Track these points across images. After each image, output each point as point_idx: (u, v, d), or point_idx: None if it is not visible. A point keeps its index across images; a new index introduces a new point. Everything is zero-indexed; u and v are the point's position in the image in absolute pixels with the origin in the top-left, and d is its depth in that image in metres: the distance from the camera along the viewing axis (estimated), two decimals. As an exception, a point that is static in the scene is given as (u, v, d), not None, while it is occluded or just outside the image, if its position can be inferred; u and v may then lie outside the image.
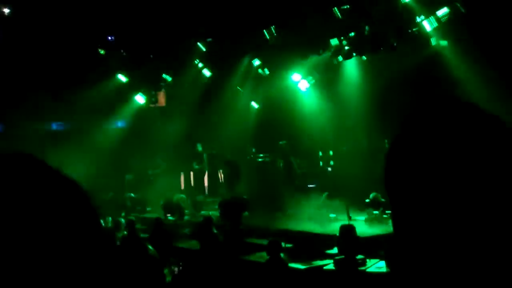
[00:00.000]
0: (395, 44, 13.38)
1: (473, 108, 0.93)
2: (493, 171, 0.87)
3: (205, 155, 17.93)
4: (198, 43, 17.09)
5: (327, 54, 15.36)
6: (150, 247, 2.00)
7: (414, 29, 13.02)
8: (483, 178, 0.87)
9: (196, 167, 18.54)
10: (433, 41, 13.57)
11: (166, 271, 6.81)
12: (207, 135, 18.65)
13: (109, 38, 18.45)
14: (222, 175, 16.24)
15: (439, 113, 0.94)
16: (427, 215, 0.91)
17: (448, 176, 0.88)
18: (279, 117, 17.78)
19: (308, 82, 16.89)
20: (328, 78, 16.77)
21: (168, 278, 6.63)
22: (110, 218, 12.38)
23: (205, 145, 18.08)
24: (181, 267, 6.94)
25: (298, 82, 17.06)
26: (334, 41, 14.69)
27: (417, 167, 0.92)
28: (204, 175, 18.35)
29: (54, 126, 20.98)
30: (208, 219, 10.23)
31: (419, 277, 0.94)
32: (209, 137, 18.50)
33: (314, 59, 15.88)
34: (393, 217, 1.00)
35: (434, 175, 0.89)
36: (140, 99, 19.12)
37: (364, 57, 14.61)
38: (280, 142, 15.70)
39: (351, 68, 16.31)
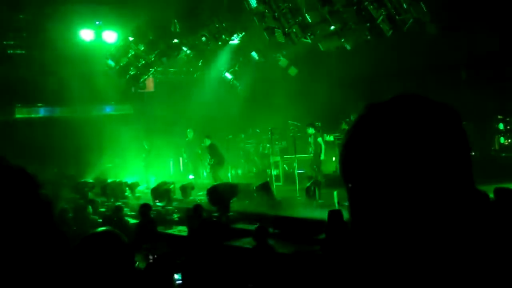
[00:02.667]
0: (389, 31, 13.32)
1: (423, 99, 0.99)
2: (441, 151, 0.93)
3: (192, 141, 17.81)
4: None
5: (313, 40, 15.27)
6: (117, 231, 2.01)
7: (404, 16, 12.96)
8: (433, 160, 0.93)
9: (184, 155, 18.50)
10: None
11: (139, 258, 6.79)
12: (195, 121, 18.58)
13: (97, 22, 18.29)
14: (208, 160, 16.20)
15: (393, 104, 1.00)
16: (380, 198, 0.95)
17: (400, 160, 0.93)
18: (265, 103, 17.77)
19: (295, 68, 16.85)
20: (316, 64, 16.74)
21: (142, 265, 6.60)
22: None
23: (195, 131, 18.02)
24: (156, 256, 6.90)
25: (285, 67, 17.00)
26: (323, 28, 14.63)
27: (371, 152, 0.96)
28: (194, 160, 18.29)
29: (42, 112, 20.85)
30: (197, 206, 10.20)
31: (372, 264, 0.98)
32: (198, 123, 18.43)
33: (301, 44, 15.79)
34: (349, 203, 1.04)
35: (387, 160, 0.94)
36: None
37: (348, 47, 14.54)
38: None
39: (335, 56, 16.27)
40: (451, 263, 0.89)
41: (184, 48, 18.26)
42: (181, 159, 19.87)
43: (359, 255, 1.01)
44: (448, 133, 0.95)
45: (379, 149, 0.95)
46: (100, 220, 10.66)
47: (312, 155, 14.52)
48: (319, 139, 14.47)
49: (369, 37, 13.82)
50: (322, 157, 14.31)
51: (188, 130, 17.77)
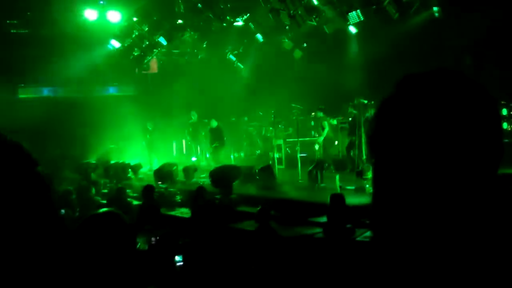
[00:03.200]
0: (395, 13, 13.19)
1: (458, 76, 0.97)
2: (474, 134, 0.91)
3: (196, 123, 17.78)
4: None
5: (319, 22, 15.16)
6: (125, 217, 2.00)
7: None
8: (464, 139, 0.91)
9: (188, 137, 18.49)
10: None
11: (141, 239, 6.83)
12: (199, 103, 18.55)
13: (101, 2, 18.15)
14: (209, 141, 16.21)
15: (427, 79, 0.98)
16: (409, 175, 0.93)
17: (432, 137, 0.91)
18: (270, 85, 17.71)
19: (300, 50, 16.75)
20: (321, 47, 16.64)
21: (144, 247, 6.65)
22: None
23: (199, 113, 17.98)
24: (158, 238, 6.95)
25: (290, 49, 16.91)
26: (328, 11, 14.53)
27: (403, 128, 0.94)
28: (197, 142, 18.29)
29: (45, 92, 20.82)
30: (200, 188, 10.22)
31: (398, 240, 0.95)
32: (202, 105, 18.40)
33: (307, 26, 15.68)
34: (375, 174, 1.01)
35: (419, 136, 0.92)
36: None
37: (353, 29, 14.43)
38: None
39: (344, 38, 16.16)
40: (472, 248, 0.89)
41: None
42: (184, 141, 19.88)
43: (380, 232, 1.00)
44: (484, 116, 0.93)
45: (411, 125, 0.93)
46: (104, 202, 10.73)
47: (317, 138, 14.55)
48: (324, 123, 14.48)
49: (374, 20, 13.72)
50: (320, 139, 14.38)
51: (192, 112, 17.74)
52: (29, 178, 1.20)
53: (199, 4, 16.44)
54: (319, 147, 14.27)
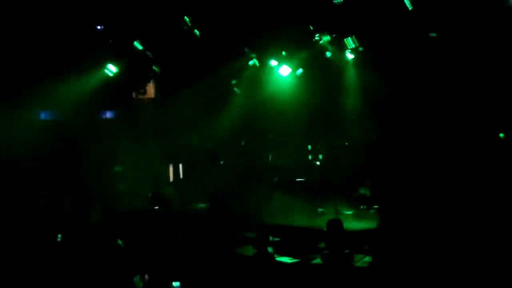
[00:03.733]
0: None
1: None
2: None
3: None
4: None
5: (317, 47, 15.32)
6: (120, 242, 1.98)
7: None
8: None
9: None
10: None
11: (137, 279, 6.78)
12: (197, 127, 18.55)
13: (98, 27, 18.26)
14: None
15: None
16: (411, 209, 0.93)
17: (430, 177, 0.91)
18: (266, 110, 17.77)
19: (295, 72, 16.84)
20: (316, 70, 16.74)
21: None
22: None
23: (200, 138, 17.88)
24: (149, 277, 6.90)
25: (278, 68, 17.00)
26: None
27: (402, 165, 0.94)
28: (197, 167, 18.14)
29: (43, 115, 20.80)
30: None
31: (401, 267, 0.96)
32: (201, 130, 18.40)
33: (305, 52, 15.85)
34: (380, 207, 1.02)
35: (417, 174, 0.92)
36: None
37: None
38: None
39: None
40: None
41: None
42: (180, 165, 19.87)
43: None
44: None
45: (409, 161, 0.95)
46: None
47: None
48: None
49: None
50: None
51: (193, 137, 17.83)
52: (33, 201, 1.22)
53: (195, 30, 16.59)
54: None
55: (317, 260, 8.55)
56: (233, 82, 19.33)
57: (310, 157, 16.23)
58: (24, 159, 15.01)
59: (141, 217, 10.58)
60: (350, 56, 15.62)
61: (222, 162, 16.15)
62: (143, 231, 9.91)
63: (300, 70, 16.86)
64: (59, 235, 9.25)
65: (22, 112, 19.72)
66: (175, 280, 6.68)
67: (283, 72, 16.90)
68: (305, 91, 17.24)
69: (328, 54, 15.20)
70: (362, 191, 11.34)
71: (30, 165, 14.29)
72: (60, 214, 9.96)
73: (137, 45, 17.47)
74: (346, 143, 14.12)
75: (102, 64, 18.15)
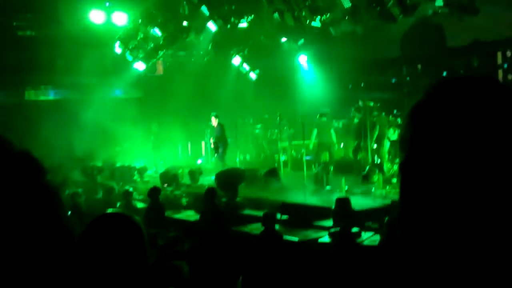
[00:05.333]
0: (398, 14, 13.15)
1: (493, 82, 0.96)
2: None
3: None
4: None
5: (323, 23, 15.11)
6: (137, 218, 1.92)
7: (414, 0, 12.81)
8: (504, 148, 0.88)
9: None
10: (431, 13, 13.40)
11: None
12: (205, 105, 18.54)
13: (106, 4, 18.18)
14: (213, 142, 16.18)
15: (463, 85, 0.96)
16: (440, 186, 0.90)
17: (470, 144, 0.89)
18: (276, 89, 17.70)
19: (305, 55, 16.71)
20: (324, 51, 16.61)
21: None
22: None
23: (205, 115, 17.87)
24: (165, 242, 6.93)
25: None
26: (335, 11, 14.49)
27: (440, 133, 0.92)
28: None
29: (52, 94, 20.91)
30: (211, 189, 10.12)
31: (419, 250, 0.93)
32: (207, 107, 18.39)
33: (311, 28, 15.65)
34: (403, 179, 0.99)
35: (454, 146, 0.90)
36: (140, 66, 18.64)
37: (359, 30, 14.38)
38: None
39: (345, 42, 16.12)
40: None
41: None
42: (189, 143, 19.94)
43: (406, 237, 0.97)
44: None
45: (449, 131, 0.91)
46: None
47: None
48: (314, 129, 14.21)
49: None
50: (310, 145, 14.04)
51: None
52: (37, 188, 1.19)
53: (203, 6, 16.44)
54: (313, 152, 14.06)
55: (325, 238, 8.58)
56: None
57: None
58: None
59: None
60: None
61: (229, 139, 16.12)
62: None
63: None
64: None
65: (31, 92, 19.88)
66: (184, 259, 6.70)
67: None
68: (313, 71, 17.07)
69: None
70: (369, 169, 11.32)
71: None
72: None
73: None
74: (355, 121, 14.01)
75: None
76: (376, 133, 13.21)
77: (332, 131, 13.94)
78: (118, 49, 18.35)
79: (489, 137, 0.89)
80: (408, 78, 18.39)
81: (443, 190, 0.90)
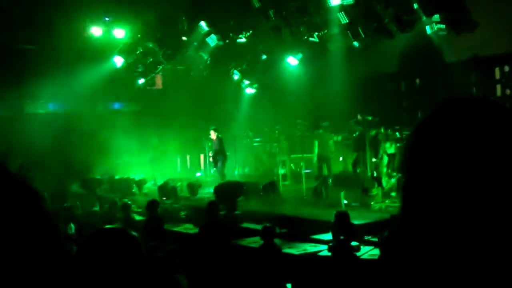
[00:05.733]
0: (395, 30, 13.29)
1: (497, 105, 0.96)
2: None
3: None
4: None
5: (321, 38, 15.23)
6: (133, 232, 1.91)
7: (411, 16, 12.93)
8: (502, 174, 0.89)
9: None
10: (428, 29, 13.51)
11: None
12: (203, 118, 18.59)
13: (106, 19, 18.31)
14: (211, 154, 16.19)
15: (467, 105, 0.96)
16: (441, 202, 0.91)
17: (469, 168, 0.89)
18: (274, 101, 17.77)
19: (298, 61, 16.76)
20: (320, 64, 16.71)
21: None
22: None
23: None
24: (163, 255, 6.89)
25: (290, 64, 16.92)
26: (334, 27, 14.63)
27: (443, 152, 0.92)
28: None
29: (51, 107, 20.93)
30: (213, 204, 10.08)
31: (417, 263, 0.93)
32: (205, 120, 18.43)
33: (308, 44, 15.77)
34: (405, 198, 0.99)
35: (459, 162, 0.90)
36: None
37: (356, 44, 14.50)
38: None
39: (341, 55, 16.23)
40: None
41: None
42: (187, 156, 19.94)
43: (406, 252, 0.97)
44: None
45: (452, 150, 0.92)
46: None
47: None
48: (315, 142, 14.25)
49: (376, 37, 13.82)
50: (314, 159, 14.07)
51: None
52: (34, 215, 1.19)
53: (202, 22, 16.57)
54: (315, 165, 14.11)
55: (324, 252, 8.55)
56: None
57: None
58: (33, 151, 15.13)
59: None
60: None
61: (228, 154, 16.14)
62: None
63: None
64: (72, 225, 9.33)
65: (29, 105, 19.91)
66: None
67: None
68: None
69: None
70: (368, 183, 11.33)
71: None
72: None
73: None
74: (355, 135, 14.04)
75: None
76: (380, 147, 13.19)
77: (330, 142, 13.98)
78: (118, 62, 18.45)
79: (492, 159, 0.89)
80: (406, 92, 18.52)
81: (444, 210, 0.91)
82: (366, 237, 8.86)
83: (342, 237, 8.40)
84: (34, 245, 1.13)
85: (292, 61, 16.94)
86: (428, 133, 0.96)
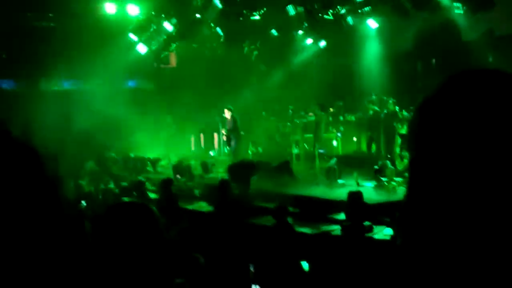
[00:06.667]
0: (409, 8, 13.11)
1: (508, 77, 0.93)
2: None
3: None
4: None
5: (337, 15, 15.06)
6: (154, 208, 1.89)
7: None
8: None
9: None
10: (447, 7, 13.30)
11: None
12: (217, 97, 18.57)
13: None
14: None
15: (477, 79, 0.93)
16: (450, 180, 0.89)
17: (482, 141, 0.87)
18: (289, 82, 17.68)
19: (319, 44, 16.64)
20: (339, 42, 16.54)
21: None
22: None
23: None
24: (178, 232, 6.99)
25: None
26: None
27: (451, 129, 0.90)
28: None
29: (66, 85, 21.04)
30: (225, 182, 10.16)
31: (427, 244, 0.92)
32: (220, 99, 18.43)
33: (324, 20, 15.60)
34: (411, 176, 0.97)
35: (467, 139, 0.88)
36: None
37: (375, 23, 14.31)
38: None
39: (363, 33, 16.04)
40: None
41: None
42: (202, 135, 20.01)
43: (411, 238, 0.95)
44: None
45: (461, 127, 0.89)
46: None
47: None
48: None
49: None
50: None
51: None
52: (38, 177, 1.19)
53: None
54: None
55: (337, 232, 8.60)
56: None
57: (330, 128, 16.16)
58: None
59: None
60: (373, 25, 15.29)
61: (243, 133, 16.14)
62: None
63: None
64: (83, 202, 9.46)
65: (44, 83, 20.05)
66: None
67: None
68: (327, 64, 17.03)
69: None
70: (382, 163, 11.31)
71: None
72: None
73: None
74: (369, 114, 13.96)
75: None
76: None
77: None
78: (134, 37, 18.39)
79: (498, 134, 0.87)
80: (422, 73, 18.32)
81: (451, 187, 0.89)
82: (379, 217, 8.88)
83: (355, 217, 8.43)
84: (32, 206, 1.12)
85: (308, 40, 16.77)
86: (434, 108, 0.94)
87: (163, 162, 16.93)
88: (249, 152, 16.78)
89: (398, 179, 11.13)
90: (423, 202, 0.93)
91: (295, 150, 15.86)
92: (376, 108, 13.75)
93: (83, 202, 9.59)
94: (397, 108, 13.35)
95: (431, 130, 0.92)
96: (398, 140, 13.07)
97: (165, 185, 10.67)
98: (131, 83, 21.51)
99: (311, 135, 15.54)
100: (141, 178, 12.10)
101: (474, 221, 0.88)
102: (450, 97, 0.92)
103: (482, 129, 0.88)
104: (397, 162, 12.32)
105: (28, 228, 1.15)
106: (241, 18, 17.12)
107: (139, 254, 1.82)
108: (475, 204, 0.87)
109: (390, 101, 13.26)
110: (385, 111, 13.48)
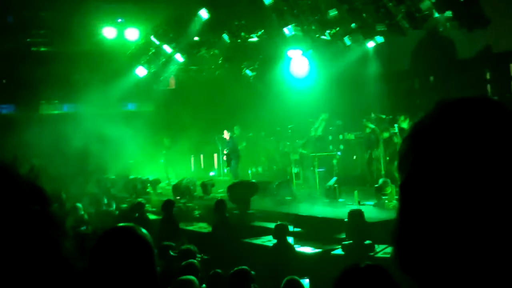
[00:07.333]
0: (407, 26, 13.21)
1: (499, 106, 0.94)
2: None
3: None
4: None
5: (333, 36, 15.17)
6: (144, 230, 1.91)
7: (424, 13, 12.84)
8: (502, 177, 0.87)
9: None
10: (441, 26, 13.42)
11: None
12: (216, 119, 18.63)
13: (119, 20, 18.45)
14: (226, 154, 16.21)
15: (469, 107, 0.94)
16: (439, 206, 0.90)
17: (473, 168, 0.88)
18: (287, 103, 17.73)
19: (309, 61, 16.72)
20: (334, 62, 16.64)
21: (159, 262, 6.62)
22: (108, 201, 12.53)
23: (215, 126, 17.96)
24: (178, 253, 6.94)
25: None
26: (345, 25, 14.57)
27: (441, 155, 0.91)
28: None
29: (65, 108, 21.15)
30: (220, 201, 10.17)
31: (417, 265, 0.93)
32: (219, 120, 18.48)
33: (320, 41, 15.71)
34: (401, 200, 0.97)
35: (458, 166, 0.89)
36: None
37: (374, 42, 14.42)
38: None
39: (359, 53, 16.15)
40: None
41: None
42: (201, 156, 20.01)
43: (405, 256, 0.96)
44: None
45: (451, 154, 0.90)
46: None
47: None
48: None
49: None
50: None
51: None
52: (41, 217, 1.20)
53: (214, 22, 16.62)
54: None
55: (338, 251, 8.54)
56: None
57: (330, 147, 16.17)
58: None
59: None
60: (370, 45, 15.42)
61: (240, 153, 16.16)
62: None
63: None
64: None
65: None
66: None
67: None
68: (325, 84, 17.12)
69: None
70: (382, 181, 11.28)
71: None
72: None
73: None
74: (367, 132, 13.97)
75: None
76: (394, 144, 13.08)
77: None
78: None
79: (489, 161, 0.88)
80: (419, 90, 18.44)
81: (441, 212, 0.89)
82: (380, 236, 8.82)
83: (356, 236, 8.38)
84: (34, 246, 1.13)
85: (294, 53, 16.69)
86: (426, 133, 0.94)
87: (162, 183, 16.91)
88: (249, 172, 16.77)
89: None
90: (411, 224, 0.94)
91: (294, 169, 15.84)
92: (373, 126, 13.78)
93: (83, 228, 9.55)
94: (396, 126, 13.28)
95: (423, 158, 0.93)
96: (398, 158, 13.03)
97: (167, 206, 10.65)
98: (130, 106, 21.60)
99: (311, 154, 15.54)
100: (141, 200, 12.07)
101: (462, 247, 0.88)
102: (442, 124, 0.93)
103: (474, 160, 0.88)
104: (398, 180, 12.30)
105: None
106: (239, 40, 17.26)
107: (131, 279, 1.85)
108: (463, 230, 0.88)
109: (402, 118, 13.07)
110: (386, 134, 13.39)
